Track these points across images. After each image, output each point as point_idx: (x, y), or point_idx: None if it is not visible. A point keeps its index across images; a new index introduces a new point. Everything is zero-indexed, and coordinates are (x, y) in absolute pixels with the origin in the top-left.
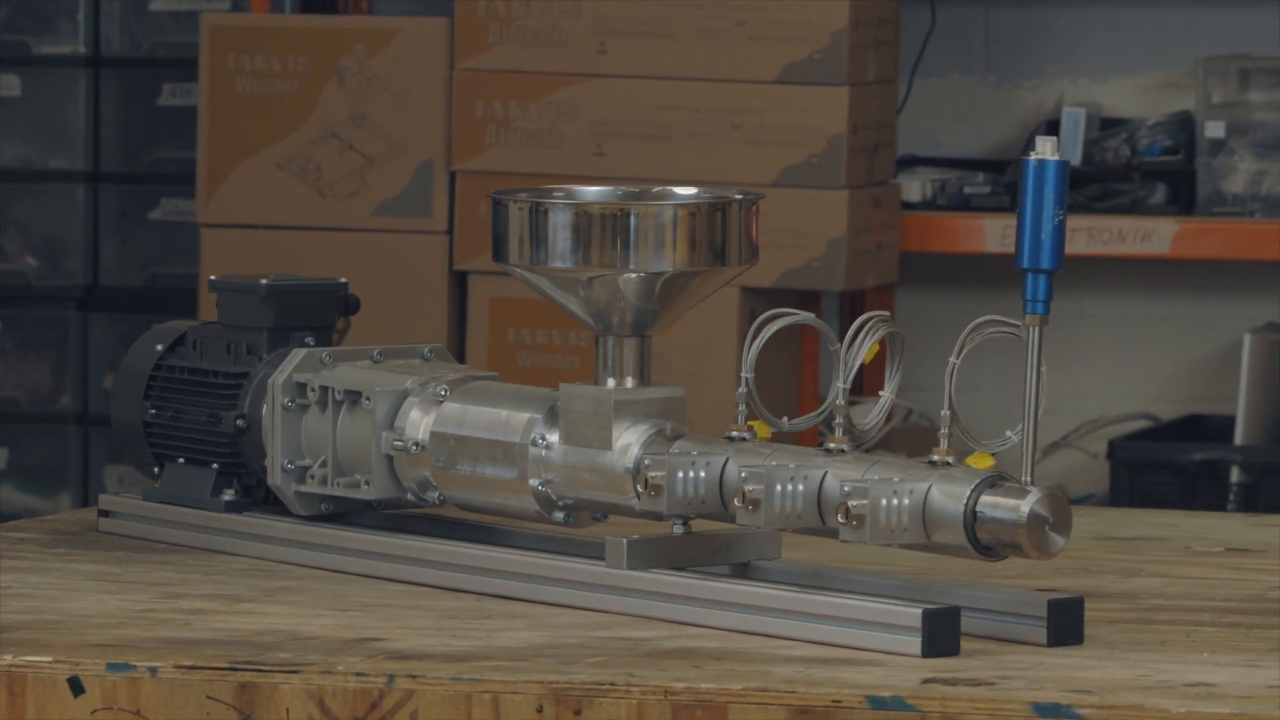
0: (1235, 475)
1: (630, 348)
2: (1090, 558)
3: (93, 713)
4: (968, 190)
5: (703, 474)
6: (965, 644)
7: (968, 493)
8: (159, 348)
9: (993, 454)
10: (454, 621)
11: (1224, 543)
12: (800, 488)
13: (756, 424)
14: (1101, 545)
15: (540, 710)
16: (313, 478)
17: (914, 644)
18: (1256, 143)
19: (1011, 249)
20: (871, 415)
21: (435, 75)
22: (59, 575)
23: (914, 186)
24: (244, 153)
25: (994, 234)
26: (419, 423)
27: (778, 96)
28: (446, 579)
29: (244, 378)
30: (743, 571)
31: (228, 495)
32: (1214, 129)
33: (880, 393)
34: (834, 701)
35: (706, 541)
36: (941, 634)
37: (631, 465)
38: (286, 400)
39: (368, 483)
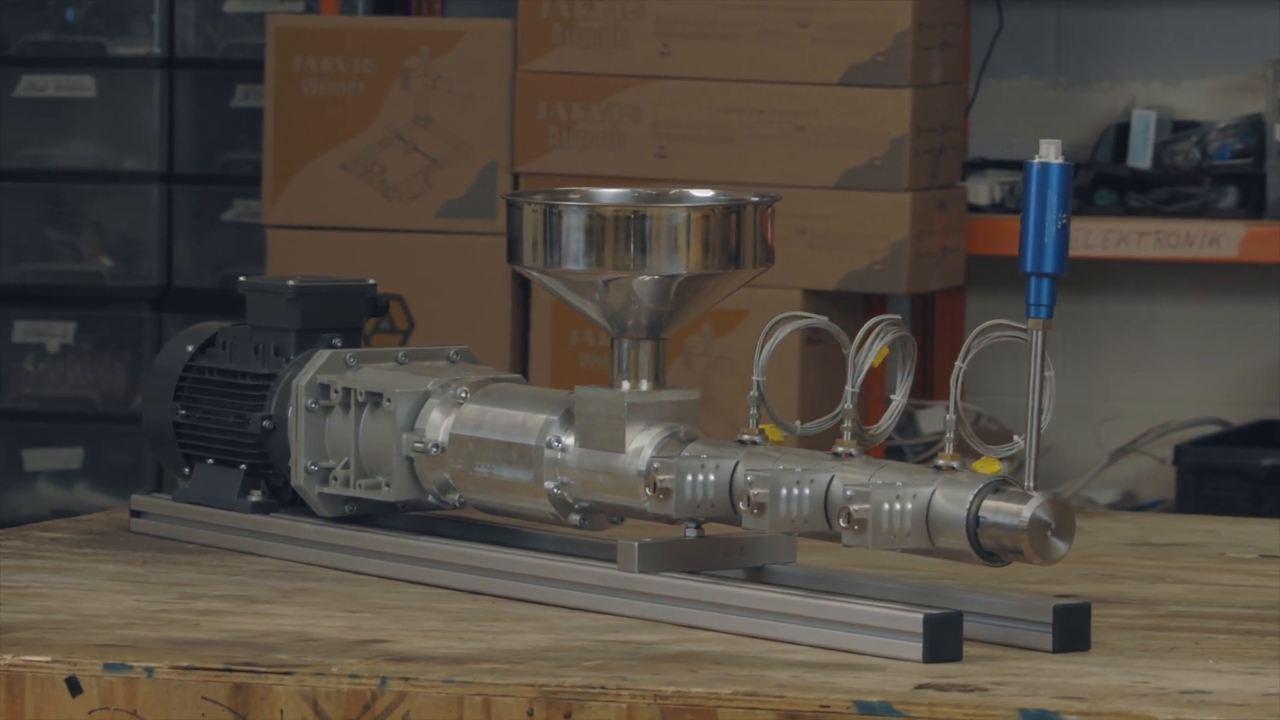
0: None
1: (645, 350)
2: (1119, 563)
3: (90, 713)
4: None
5: (712, 477)
6: (969, 649)
7: (970, 497)
8: (190, 348)
9: (1000, 459)
10: (463, 624)
11: (1261, 549)
12: (806, 492)
13: (768, 427)
14: (1134, 551)
15: (530, 713)
16: (335, 479)
17: (915, 649)
18: None
19: (1080, 252)
20: (883, 420)
21: (499, 77)
22: (80, 575)
23: (982, 189)
24: (309, 154)
25: None
26: (439, 424)
27: (840, 98)
28: (461, 581)
29: (271, 379)
30: (754, 576)
31: (254, 496)
32: None
33: (891, 396)
34: (822, 706)
35: (719, 545)
36: (943, 639)
37: (644, 468)
38: (310, 402)
39: (389, 484)
